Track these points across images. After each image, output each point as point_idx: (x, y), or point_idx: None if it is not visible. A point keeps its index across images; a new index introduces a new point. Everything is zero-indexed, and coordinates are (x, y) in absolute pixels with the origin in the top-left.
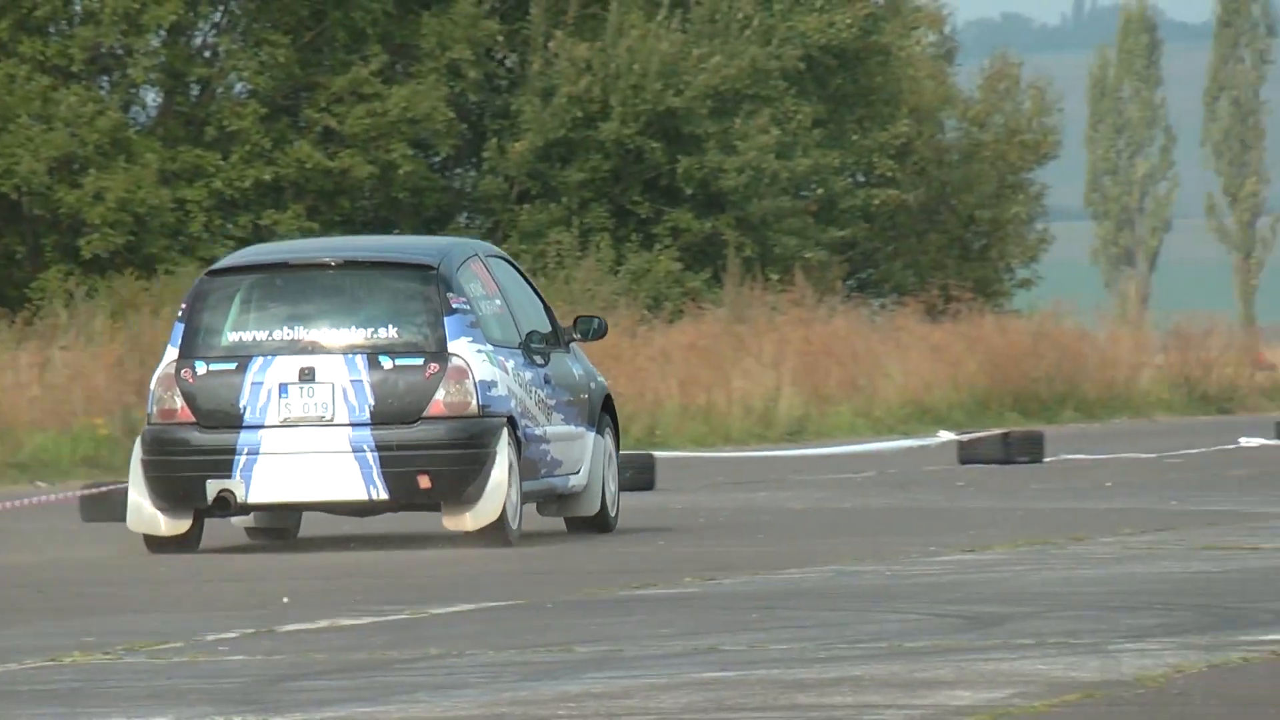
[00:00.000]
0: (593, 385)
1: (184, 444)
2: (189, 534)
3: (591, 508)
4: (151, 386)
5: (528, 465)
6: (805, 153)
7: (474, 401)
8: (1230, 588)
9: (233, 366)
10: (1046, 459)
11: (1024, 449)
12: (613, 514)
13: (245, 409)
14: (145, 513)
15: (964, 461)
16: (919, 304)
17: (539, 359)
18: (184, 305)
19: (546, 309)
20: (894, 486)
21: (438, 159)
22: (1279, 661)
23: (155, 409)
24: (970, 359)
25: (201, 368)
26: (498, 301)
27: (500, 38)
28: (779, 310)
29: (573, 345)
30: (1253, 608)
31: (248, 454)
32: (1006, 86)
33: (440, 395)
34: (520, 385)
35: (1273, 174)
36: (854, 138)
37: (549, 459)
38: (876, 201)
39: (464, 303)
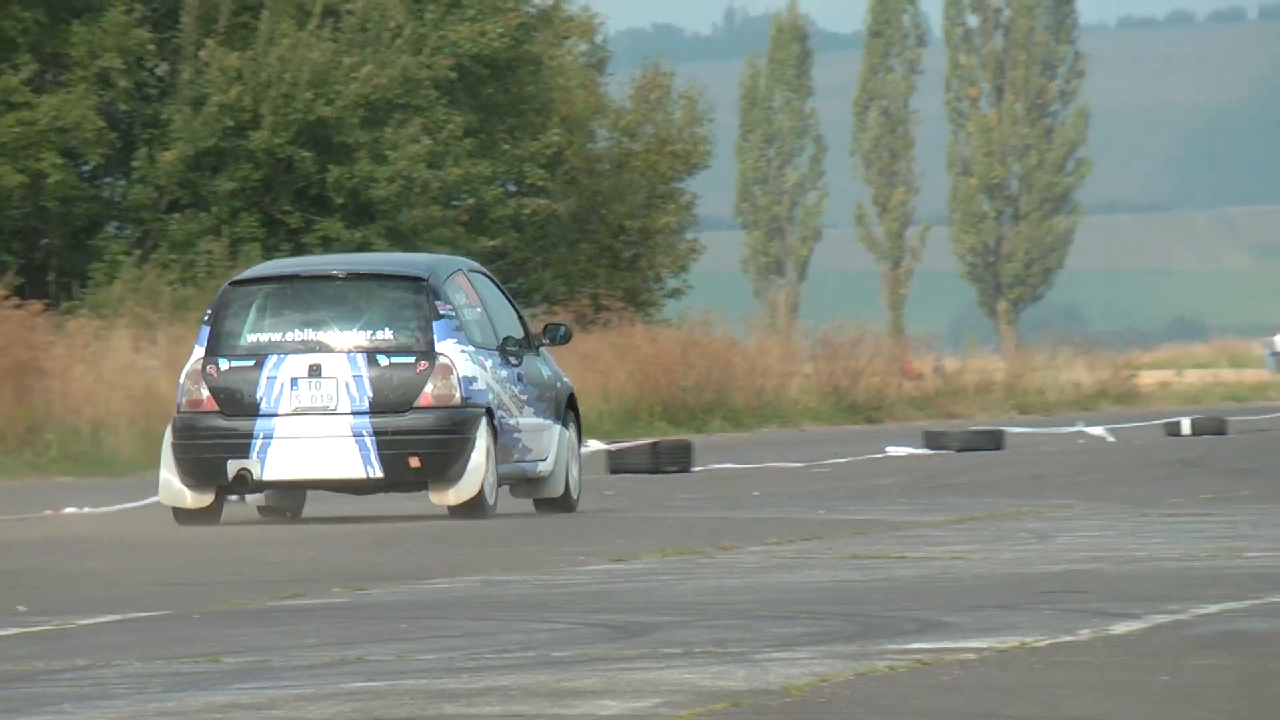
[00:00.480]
0: (559, 384)
1: (209, 429)
2: (211, 507)
3: (557, 490)
4: (181, 380)
5: (502, 451)
6: (456, 162)
7: (458, 394)
8: (877, 596)
9: (251, 363)
10: (695, 468)
11: (673, 458)
12: (575, 496)
13: (261, 399)
14: (174, 488)
15: (613, 471)
16: (569, 313)
17: (513, 359)
18: (209, 311)
19: (519, 317)
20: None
21: (87, 168)
22: (925, 670)
23: (184, 399)
24: (620, 368)
25: (225, 364)
26: (478, 310)
27: (151, 46)
28: None
29: (541, 349)
30: (899, 616)
31: (263, 438)
32: (658, 96)
33: (429, 388)
34: (497, 381)
35: (922, 183)
36: (505, 147)
37: (520, 446)
38: (527, 211)
39: (450, 310)
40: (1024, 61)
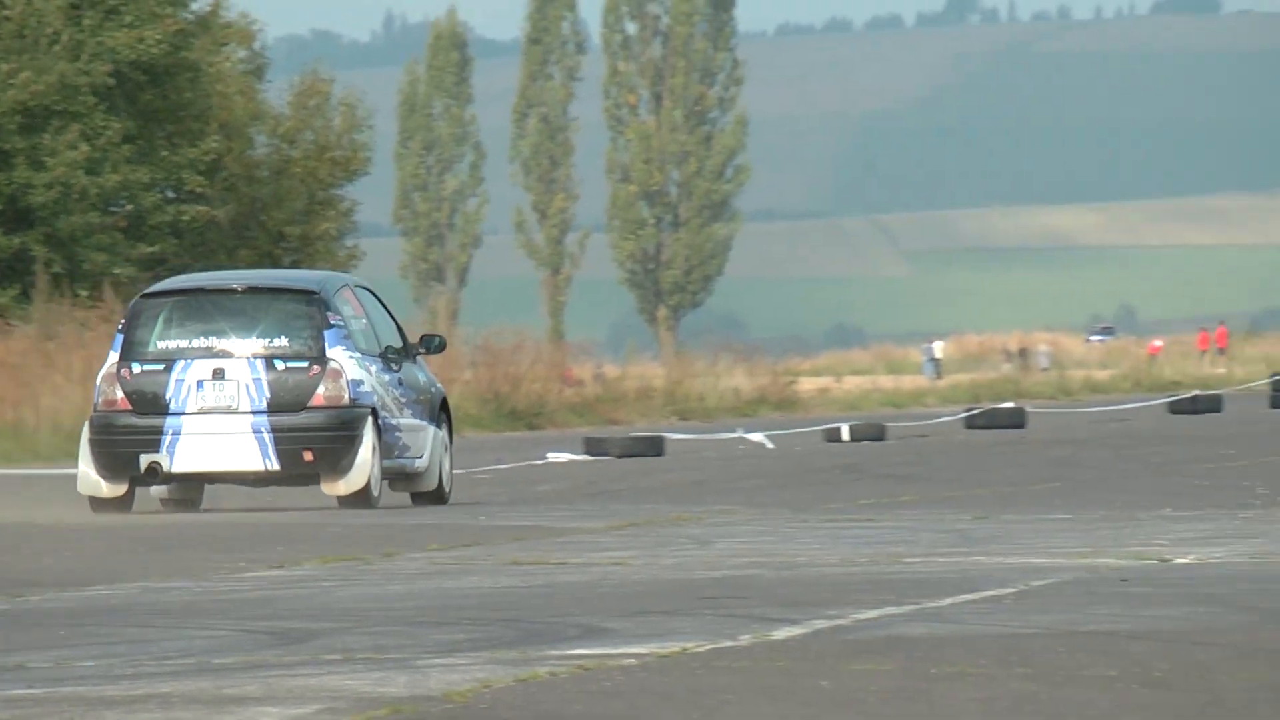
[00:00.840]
0: (433, 389)
1: (123, 426)
2: (125, 496)
3: (431, 484)
4: (97, 382)
5: (385, 448)
6: (115, 168)
7: (346, 395)
8: (538, 602)
9: (161, 367)
10: None
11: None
12: (447, 490)
13: (170, 400)
14: (91, 479)
15: None
16: None
17: (394, 366)
18: (122, 320)
19: (398, 328)
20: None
21: None
22: (587, 675)
23: (100, 399)
24: None
25: (137, 368)
26: (363, 320)
27: None
28: (88, 327)
29: (418, 357)
30: (560, 622)
31: (172, 434)
32: (316, 103)
33: (321, 390)
34: (380, 385)
35: (581, 190)
36: (164, 154)
37: (400, 444)
38: (186, 217)
39: (339, 320)
40: (683, 69)
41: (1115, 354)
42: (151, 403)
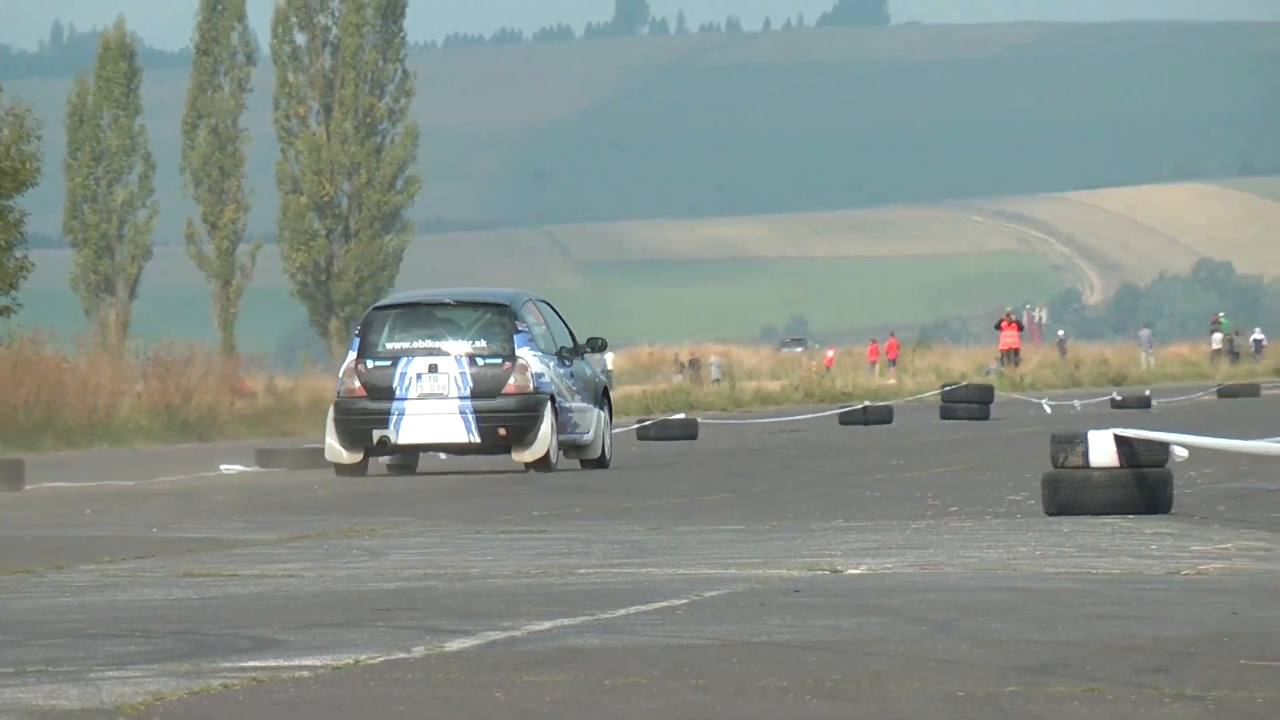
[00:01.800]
0: (597, 380)
1: (360, 409)
2: (361, 463)
3: (595, 454)
4: (340, 375)
5: (561, 425)
6: None
7: (531, 385)
8: (211, 614)
9: (389, 363)
10: (27, 486)
11: (3, 477)
12: (609, 458)
13: (396, 388)
14: (335, 450)
15: None
16: None
17: (566, 361)
18: (358, 327)
19: (570, 332)
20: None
21: None
22: (260, 688)
23: (342, 388)
24: None
25: (370, 364)
26: (543, 327)
27: None
28: None
29: (585, 355)
30: (233, 634)
31: (397, 415)
32: None
33: (512, 381)
34: (556, 377)
35: (252, 201)
36: None
37: (572, 422)
38: None
39: (525, 327)
40: (353, 80)
41: (787, 364)
42: (382, 390)
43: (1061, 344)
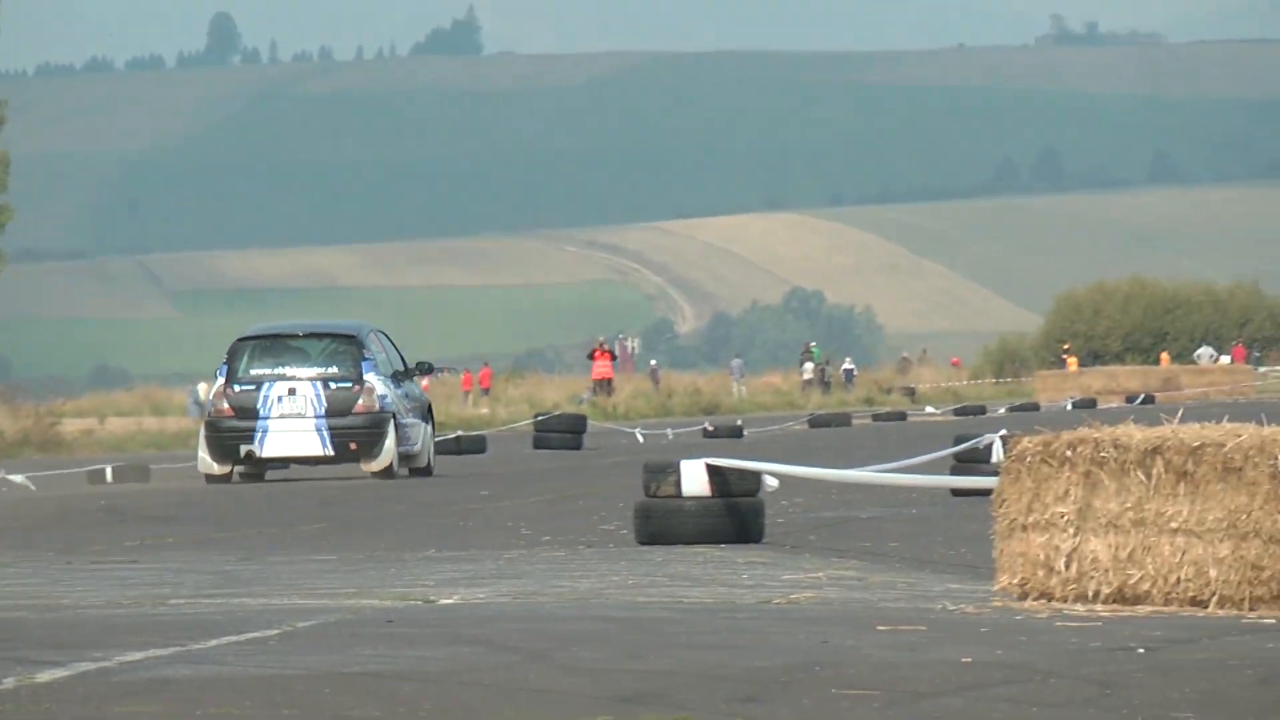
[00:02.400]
0: (423, 398)
1: (229, 427)
2: (228, 475)
3: (422, 463)
4: (210, 398)
5: (400, 438)
6: None
7: (377, 405)
8: None
9: (253, 387)
10: None
11: None
12: (432, 466)
13: (260, 409)
14: (206, 462)
15: None
16: None
17: (401, 383)
18: (226, 355)
19: (401, 357)
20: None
21: None
22: None
23: (212, 409)
24: None
25: (237, 388)
26: (383, 354)
27: None
28: None
29: (413, 377)
30: None
31: (261, 432)
32: None
33: (361, 401)
34: (396, 397)
35: None
36: None
37: (408, 436)
38: None
39: (370, 354)
40: None
41: None
42: (247, 410)
43: (654, 373)
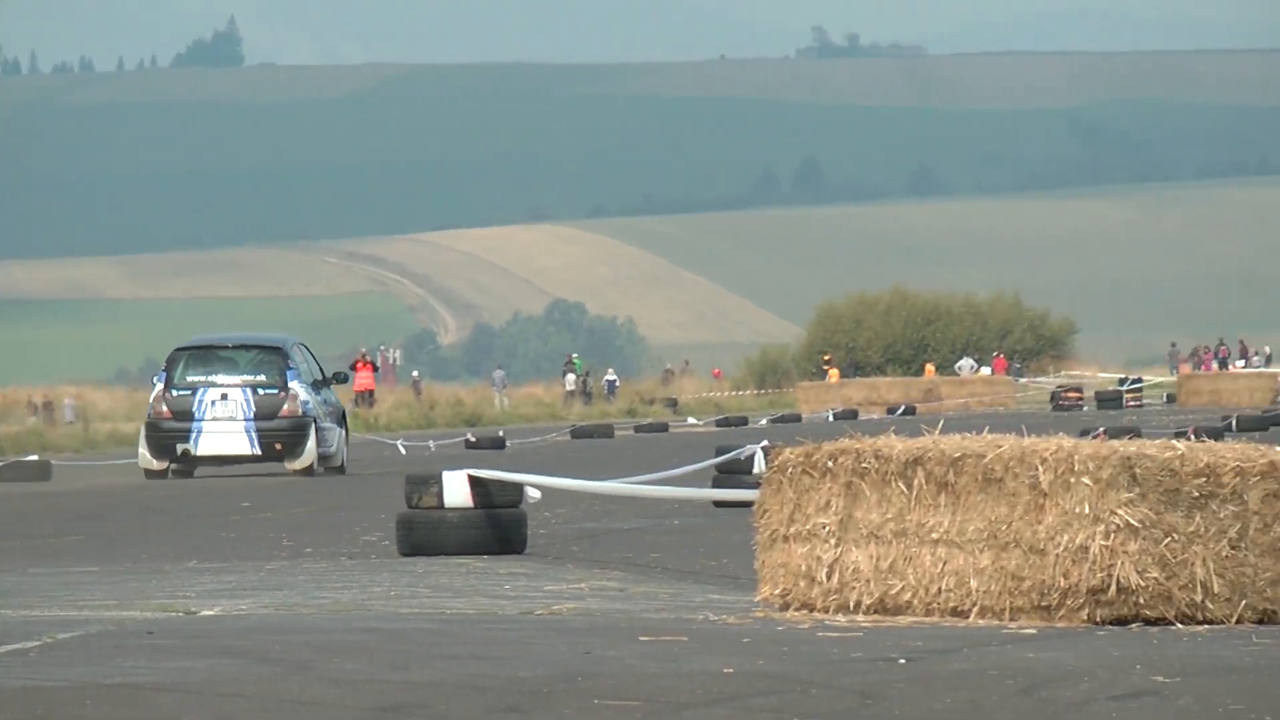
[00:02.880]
0: (338, 405)
1: (168, 428)
2: (165, 470)
3: (338, 463)
4: (151, 401)
5: (319, 440)
6: None
7: (300, 410)
8: None
9: (189, 392)
10: None
11: None
12: (346, 466)
13: (195, 411)
14: (146, 458)
15: None
16: None
17: (320, 391)
18: (165, 364)
19: (320, 368)
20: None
21: None
22: None
23: (152, 411)
24: None
25: (175, 393)
26: (306, 364)
27: None
28: None
29: (330, 385)
30: None
31: (196, 432)
32: None
33: (285, 407)
34: (316, 403)
35: None
36: None
37: (325, 438)
38: None
39: (294, 364)
40: None
41: (141, 405)
42: (184, 413)
43: (416, 385)
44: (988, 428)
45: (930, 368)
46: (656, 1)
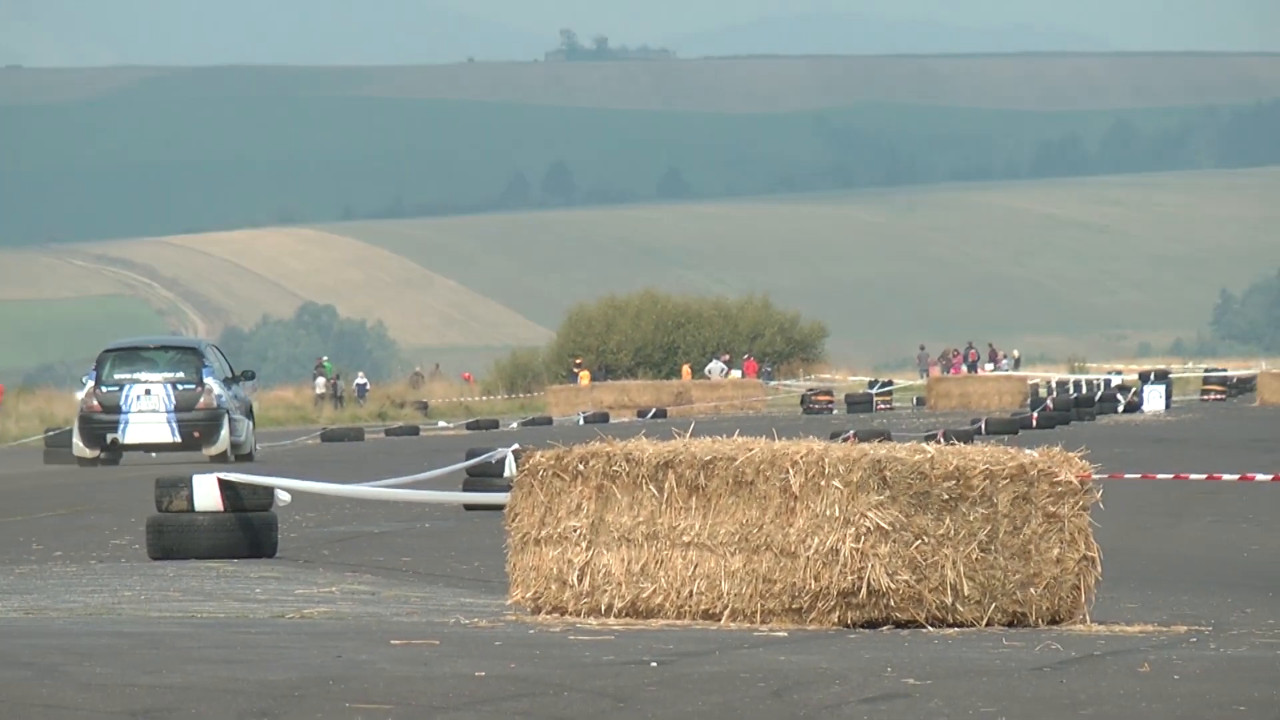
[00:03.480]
0: (248, 400)
1: (98, 420)
2: (96, 457)
3: (246, 450)
4: (81, 396)
5: (232, 430)
6: None
7: (215, 403)
8: None
9: (117, 388)
10: None
11: None
12: (255, 453)
13: (122, 405)
14: (80, 448)
15: None
16: None
17: (231, 386)
18: (95, 363)
19: (230, 367)
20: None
21: None
22: None
23: (84, 405)
24: None
25: (104, 389)
26: (219, 363)
27: None
28: None
29: (240, 381)
30: None
31: (123, 423)
32: None
33: (202, 399)
34: (229, 397)
35: None
36: None
37: (237, 428)
38: None
39: (208, 363)
40: None
41: None
42: (112, 406)
43: None
44: (738, 431)
45: (687, 370)
46: (404, 5)
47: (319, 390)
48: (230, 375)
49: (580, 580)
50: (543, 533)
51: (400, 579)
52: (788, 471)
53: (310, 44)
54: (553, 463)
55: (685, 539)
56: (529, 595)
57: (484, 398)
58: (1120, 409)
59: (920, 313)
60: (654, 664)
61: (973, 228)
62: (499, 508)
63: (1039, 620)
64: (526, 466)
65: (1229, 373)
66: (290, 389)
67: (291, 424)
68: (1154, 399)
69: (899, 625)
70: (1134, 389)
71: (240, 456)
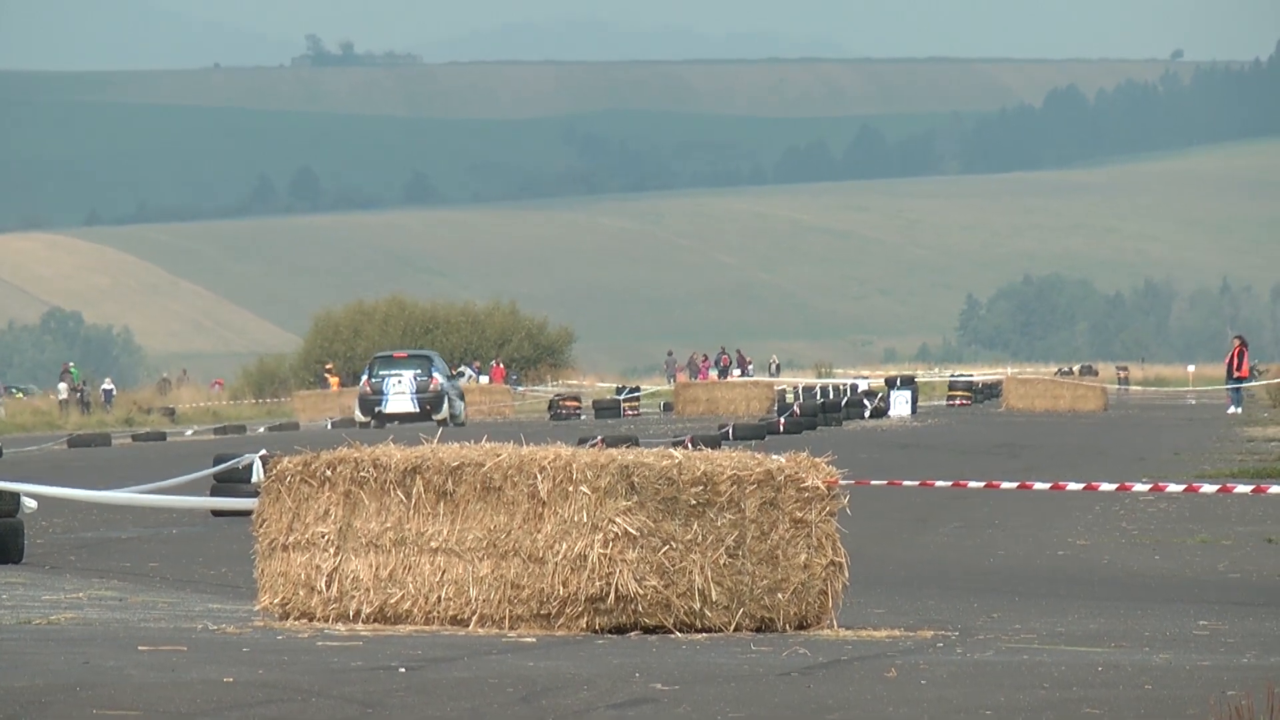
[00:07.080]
0: (459, 388)
1: (369, 398)
2: (371, 424)
3: (461, 420)
4: (361, 385)
5: (451, 406)
6: None
7: (440, 389)
8: None
9: (381, 380)
10: None
11: None
12: (465, 421)
13: (384, 390)
14: (358, 418)
15: None
16: None
17: (451, 379)
18: (369, 365)
19: (447, 367)
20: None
21: None
22: None
23: (361, 391)
24: None
25: (375, 381)
26: (442, 364)
27: None
28: None
29: (454, 377)
30: None
31: (383, 400)
32: None
33: (431, 386)
34: (448, 386)
35: None
36: None
37: (454, 405)
38: None
39: (436, 365)
40: None
41: None
42: (376, 394)
43: None
44: (487, 436)
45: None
46: (150, 10)
47: (63, 396)
48: (449, 374)
49: (328, 586)
50: (291, 538)
51: (148, 585)
52: (536, 477)
53: (54, 49)
54: (300, 468)
55: (433, 545)
56: (277, 601)
57: (232, 403)
58: (867, 414)
59: (667, 319)
60: (403, 670)
61: (719, 233)
62: (247, 513)
63: (787, 625)
64: (274, 472)
65: (975, 378)
66: (36, 395)
67: (38, 430)
68: (900, 404)
69: (647, 631)
70: (880, 394)
71: (457, 425)
